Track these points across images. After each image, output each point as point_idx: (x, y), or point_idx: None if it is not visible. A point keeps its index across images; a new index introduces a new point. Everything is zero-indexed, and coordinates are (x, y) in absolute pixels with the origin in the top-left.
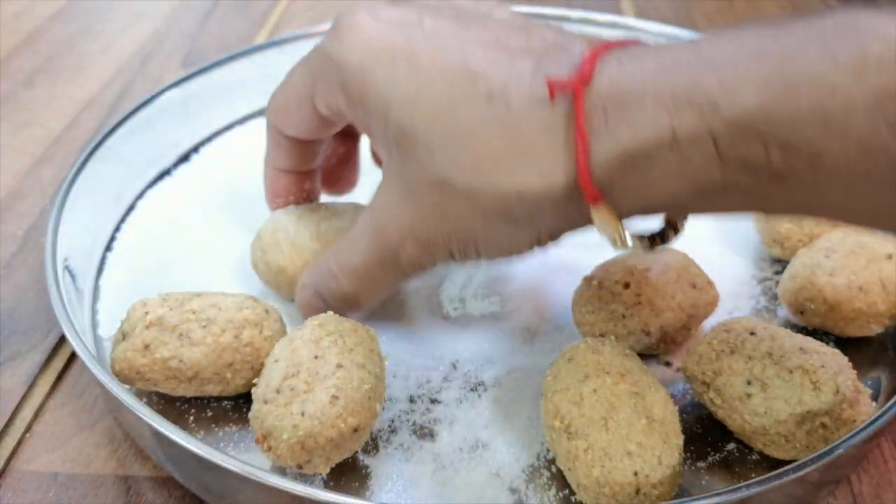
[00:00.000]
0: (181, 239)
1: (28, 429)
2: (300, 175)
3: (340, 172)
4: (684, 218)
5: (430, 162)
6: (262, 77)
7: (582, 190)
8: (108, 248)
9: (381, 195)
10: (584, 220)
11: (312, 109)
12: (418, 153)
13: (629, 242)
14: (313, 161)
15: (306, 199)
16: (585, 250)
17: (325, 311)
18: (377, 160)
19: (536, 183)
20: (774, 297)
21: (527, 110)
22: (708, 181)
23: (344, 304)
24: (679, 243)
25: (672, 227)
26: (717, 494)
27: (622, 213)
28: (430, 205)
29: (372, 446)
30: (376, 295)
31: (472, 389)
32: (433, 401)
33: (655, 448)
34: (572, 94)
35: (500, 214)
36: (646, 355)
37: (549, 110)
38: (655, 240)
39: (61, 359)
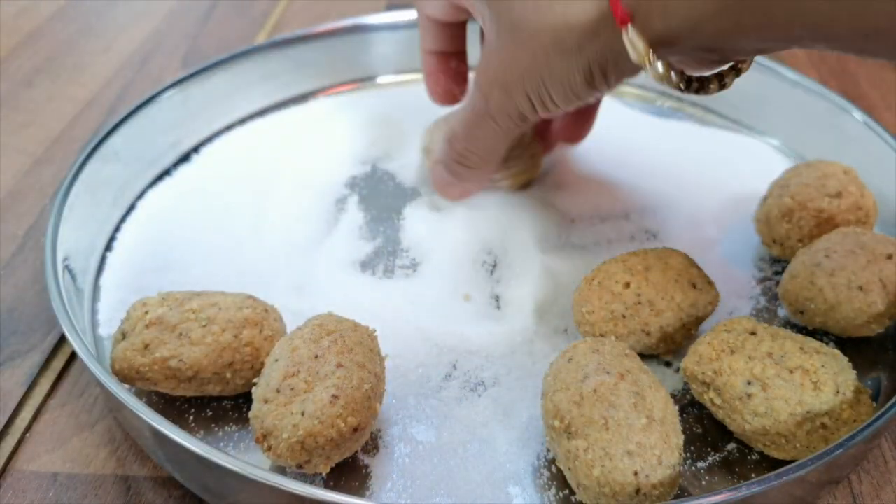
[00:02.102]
0: (181, 239)
1: (28, 429)
2: (446, 56)
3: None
4: (732, 76)
5: (508, 9)
6: (262, 77)
7: (613, 9)
8: (108, 248)
9: (481, 58)
10: (621, 48)
11: None
12: (501, 6)
13: (659, 68)
14: (455, 44)
15: (454, 77)
16: (586, 250)
17: (453, 180)
18: None
19: (579, 11)
20: (774, 297)
21: None
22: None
23: (461, 164)
24: (679, 243)
25: (717, 79)
26: (717, 494)
27: (650, 37)
28: (509, 49)
29: (372, 446)
30: (483, 150)
31: (471, 389)
32: (433, 400)
33: (655, 448)
34: None
35: (556, 47)
36: (646, 355)
37: None
38: (692, 82)
39: (61, 359)
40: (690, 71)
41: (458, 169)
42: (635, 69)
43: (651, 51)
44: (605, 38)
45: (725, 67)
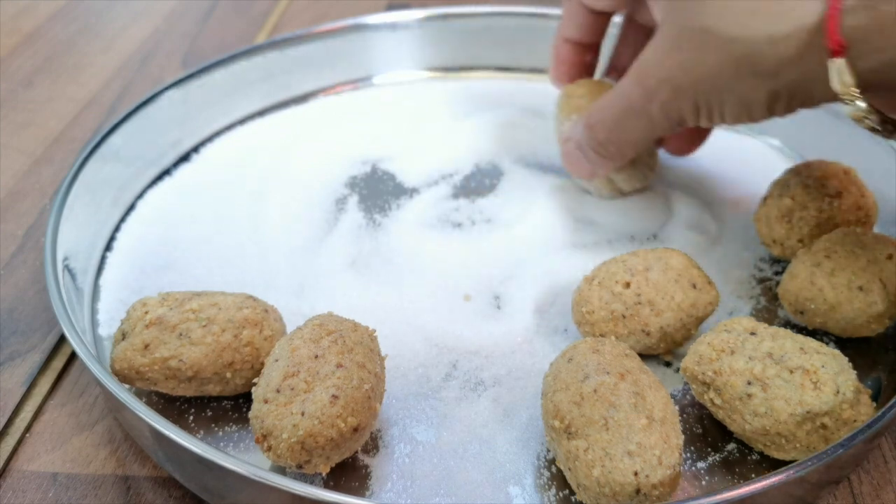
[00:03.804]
0: (181, 239)
1: (28, 429)
2: (584, 47)
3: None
4: None
5: (699, 12)
6: (262, 77)
7: (828, 36)
8: (108, 248)
9: (646, 51)
10: (821, 81)
11: None
12: (692, 4)
13: (861, 105)
14: (597, 36)
15: (586, 70)
16: (586, 250)
17: (585, 161)
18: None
19: (787, 26)
20: (774, 297)
21: None
22: None
23: (597, 153)
24: (679, 243)
25: None
26: (717, 494)
27: (860, 74)
28: (691, 51)
29: (372, 446)
30: (625, 143)
31: (471, 389)
32: (433, 400)
33: (655, 448)
34: None
35: (749, 62)
36: (646, 355)
37: None
38: (887, 124)
39: (61, 359)
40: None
41: (592, 155)
42: (823, 101)
43: (856, 88)
44: (807, 65)
45: None
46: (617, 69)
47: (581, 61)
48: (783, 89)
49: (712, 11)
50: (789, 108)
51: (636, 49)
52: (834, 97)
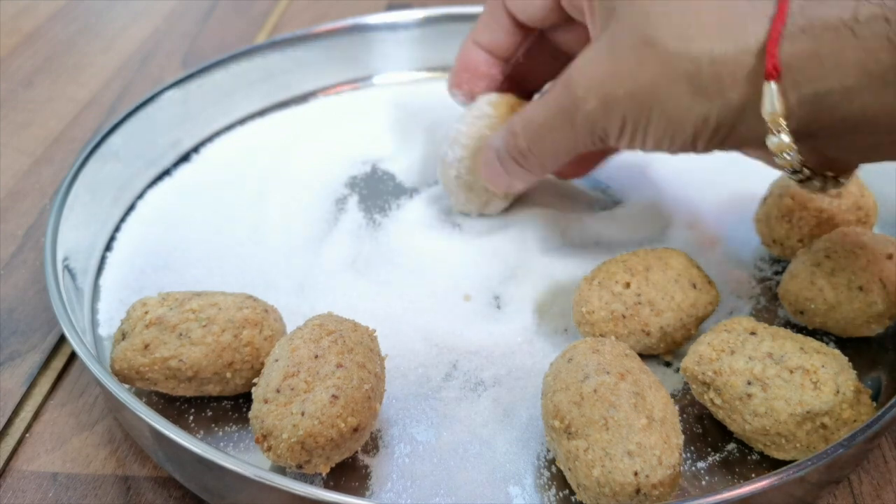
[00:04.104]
0: (181, 239)
1: (28, 429)
2: (497, 58)
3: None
4: (846, 175)
5: (644, 23)
6: (262, 77)
7: (767, 59)
8: (108, 248)
9: (580, 58)
10: (752, 112)
11: None
12: (634, 15)
13: (784, 138)
14: (516, 50)
15: (490, 85)
16: (586, 250)
17: (503, 171)
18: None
19: (730, 47)
20: (774, 297)
21: None
22: (878, 67)
23: (517, 161)
24: (679, 243)
25: (822, 179)
26: (717, 494)
27: (791, 102)
28: (627, 62)
29: (372, 446)
30: (547, 155)
31: (471, 389)
32: (433, 400)
33: (655, 448)
34: None
35: (687, 80)
36: (646, 355)
37: None
38: (804, 170)
39: (61, 359)
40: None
41: (511, 166)
42: (746, 141)
43: (783, 118)
44: (742, 91)
45: (830, 174)
46: (512, 83)
47: (487, 73)
48: (713, 115)
49: (658, 22)
50: (711, 141)
51: (540, 68)
52: (757, 139)
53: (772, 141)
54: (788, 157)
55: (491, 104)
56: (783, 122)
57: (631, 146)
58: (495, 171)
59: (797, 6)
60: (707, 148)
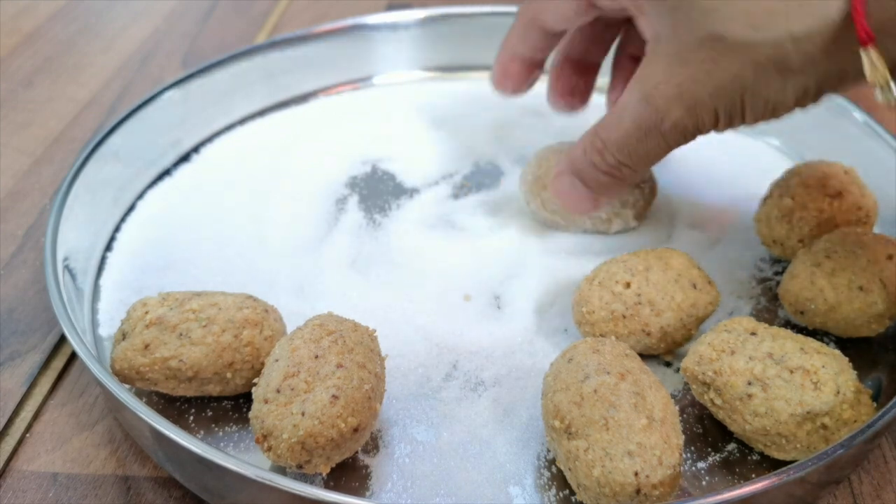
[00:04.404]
0: (181, 239)
1: (28, 429)
2: (534, 65)
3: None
4: None
5: (705, 20)
6: (262, 77)
7: (856, 26)
8: (108, 248)
9: (646, 67)
10: (853, 71)
11: (584, 2)
12: (693, 14)
13: (895, 91)
14: (549, 51)
15: (529, 85)
16: (586, 250)
17: (585, 191)
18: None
19: (811, 22)
20: (775, 297)
21: None
22: None
23: (611, 178)
24: (679, 243)
25: None
26: (718, 494)
27: (891, 58)
28: (700, 62)
29: (372, 446)
30: (637, 165)
31: (472, 389)
32: (433, 400)
33: (656, 448)
34: None
35: (773, 64)
36: (646, 355)
37: None
38: None
39: (61, 359)
40: None
41: (605, 180)
42: (853, 87)
43: (890, 76)
44: (836, 58)
45: None
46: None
47: (529, 75)
48: (812, 84)
49: (720, 17)
50: (816, 99)
51: (592, 40)
52: (859, 80)
53: (880, 96)
54: None
55: None
56: (889, 79)
57: (731, 127)
58: (576, 195)
59: None
60: (815, 102)
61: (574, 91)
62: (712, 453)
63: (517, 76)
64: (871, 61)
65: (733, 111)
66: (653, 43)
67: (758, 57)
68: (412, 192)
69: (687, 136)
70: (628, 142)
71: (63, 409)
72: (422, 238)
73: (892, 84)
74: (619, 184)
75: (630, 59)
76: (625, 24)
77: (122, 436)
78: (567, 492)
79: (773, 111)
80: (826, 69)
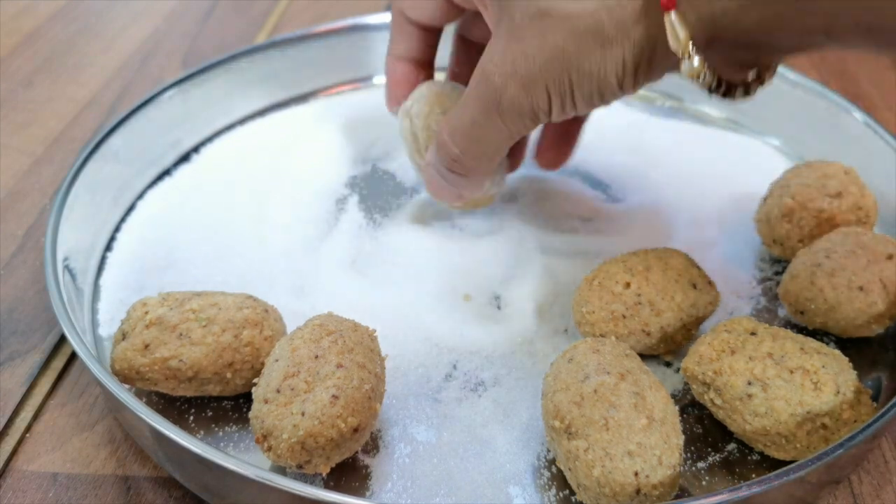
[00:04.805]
0: (181, 239)
1: (28, 429)
2: (419, 66)
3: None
4: (756, 84)
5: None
6: (262, 77)
7: None
8: (108, 248)
9: (489, 48)
10: (661, 43)
11: None
12: None
13: (696, 62)
14: (432, 52)
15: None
16: (586, 250)
17: (445, 184)
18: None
19: None
20: (775, 298)
21: None
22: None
23: (456, 172)
24: (679, 243)
25: (743, 86)
26: (717, 494)
27: (693, 26)
28: (532, 38)
29: (372, 446)
30: (483, 154)
31: (472, 389)
32: (433, 400)
33: (656, 448)
34: None
35: (592, 34)
36: (646, 355)
37: None
38: (721, 85)
39: (61, 359)
40: (721, 74)
41: (450, 176)
42: (665, 68)
43: (691, 42)
44: (645, 27)
45: (752, 77)
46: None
47: (416, 80)
48: (628, 57)
49: None
50: (636, 81)
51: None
52: (674, 63)
53: (685, 67)
54: (706, 79)
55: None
56: (691, 47)
57: (565, 114)
58: (441, 186)
59: None
60: (634, 88)
61: (410, 90)
62: (712, 453)
63: (405, 80)
64: (672, 28)
65: (564, 91)
66: (493, 27)
67: (578, 28)
68: (412, 191)
69: (525, 118)
70: (468, 130)
71: (63, 409)
72: (422, 238)
73: (692, 52)
74: (464, 179)
75: (465, 64)
76: None
77: (122, 436)
78: (567, 492)
79: (599, 91)
80: (638, 38)
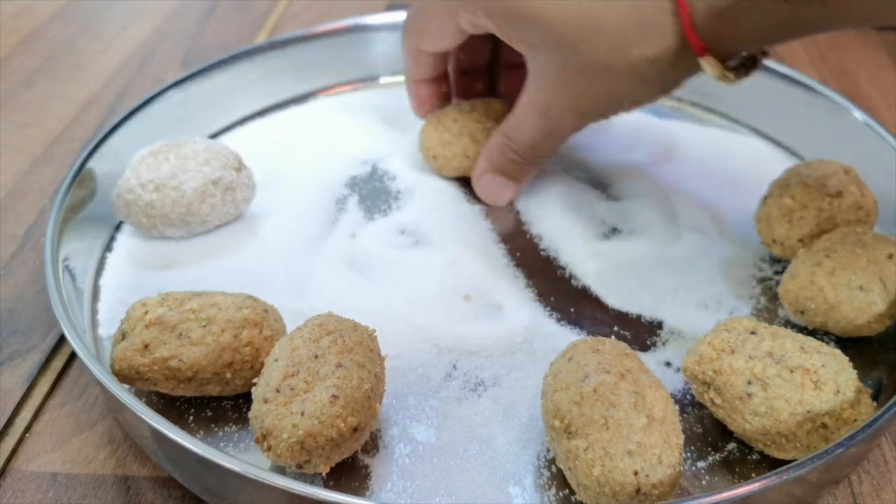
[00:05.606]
0: (181, 239)
1: (28, 429)
2: (438, 82)
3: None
4: (768, 50)
5: (574, 54)
6: (262, 77)
7: (691, 45)
8: (108, 248)
9: (538, 91)
10: (696, 69)
11: (455, 28)
12: (563, 49)
13: (732, 77)
14: (446, 65)
15: (445, 99)
16: (586, 249)
17: (508, 185)
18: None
19: (659, 48)
20: (775, 297)
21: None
22: (779, 17)
23: (530, 164)
24: (679, 243)
25: (760, 55)
26: (717, 494)
27: (724, 57)
28: (581, 84)
29: (372, 446)
30: (551, 151)
31: (472, 389)
32: (433, 400)
33: (655, 448)
34: None
35: (638, 80)
36: (645, 355)
37: None
38: (740, 70)
39: (61, 359)
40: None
41: (526, 167)
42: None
43: (726, 70)
44: (683, 66)
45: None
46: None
47: (439, 92)
48: (670, 84)
49: (587, 51)
50: (677, 87)
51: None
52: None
53: (722, 80)
54: (733, 79)
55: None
56: (725, 72)
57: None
58: (501, 186)
59: None
60: (677, 90)
61: (435, 101)
62: (712, 453)
63: (430, 97)
64: (709, 64)
65: (615, 111)
66: (536, 73)
67: (623, 77)
68: (412, 191)
69: (577, 130)
70: (535, 141)
71: (63, 409)
72: (420, 239)
73: (727, 73)
74: (536, 167)
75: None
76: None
77: (121, 436)
78: (567, 491)
79: (642, 103)
80: (678, 74)
